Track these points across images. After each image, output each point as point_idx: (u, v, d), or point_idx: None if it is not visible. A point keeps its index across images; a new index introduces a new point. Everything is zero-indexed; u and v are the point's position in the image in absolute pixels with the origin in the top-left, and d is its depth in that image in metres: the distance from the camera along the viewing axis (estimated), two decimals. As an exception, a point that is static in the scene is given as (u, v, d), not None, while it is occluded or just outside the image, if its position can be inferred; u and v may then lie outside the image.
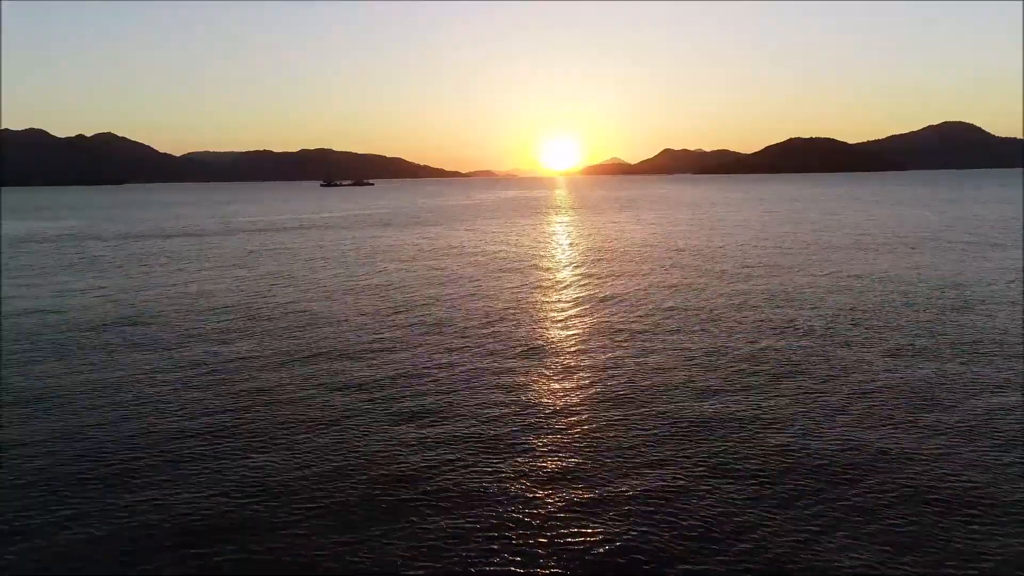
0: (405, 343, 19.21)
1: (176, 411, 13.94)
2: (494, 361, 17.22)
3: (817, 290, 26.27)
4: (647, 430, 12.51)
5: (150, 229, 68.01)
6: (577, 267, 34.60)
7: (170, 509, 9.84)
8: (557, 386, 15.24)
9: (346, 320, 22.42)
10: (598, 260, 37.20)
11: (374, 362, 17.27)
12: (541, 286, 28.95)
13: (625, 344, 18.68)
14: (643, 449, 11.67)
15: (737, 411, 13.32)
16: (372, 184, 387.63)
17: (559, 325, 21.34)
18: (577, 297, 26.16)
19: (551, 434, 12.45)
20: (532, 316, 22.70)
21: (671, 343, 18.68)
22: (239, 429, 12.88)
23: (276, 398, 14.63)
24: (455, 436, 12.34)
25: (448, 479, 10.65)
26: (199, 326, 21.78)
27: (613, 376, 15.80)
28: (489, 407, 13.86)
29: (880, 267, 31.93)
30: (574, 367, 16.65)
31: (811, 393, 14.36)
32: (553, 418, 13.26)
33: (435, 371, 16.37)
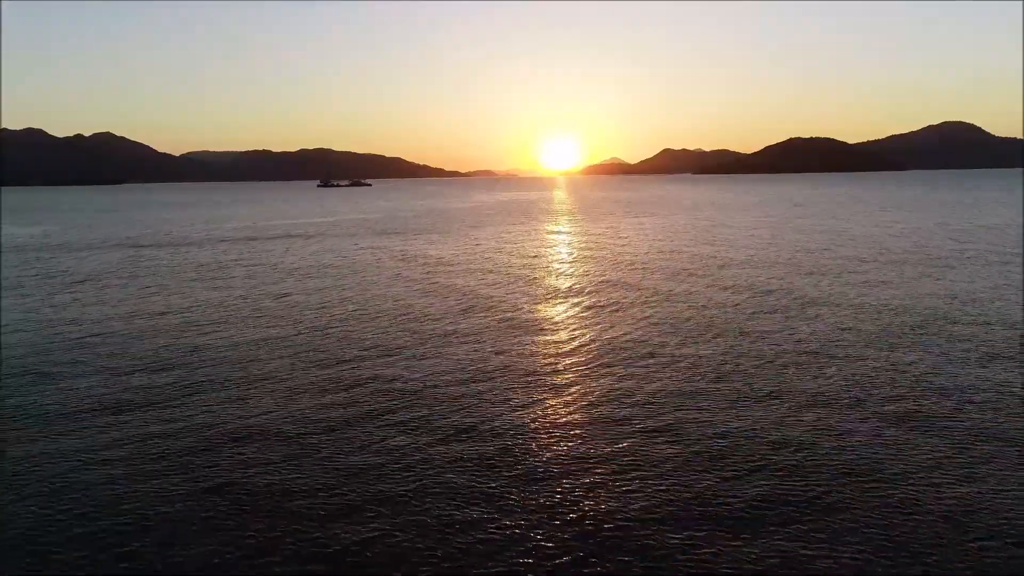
0: (353, 415, 15.57)
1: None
2: (457, 446, 13.60)
3: (855, 333, 22.63)
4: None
5: (125, 237, 64.44)
6: (574, 298, 31.01)
7: None
8: (536, 495, 11.60)
9: (287, 378, 18.71)
10: (598, 287, 33.62)
11: (306, 447, 13.63)
12: (531, 327, 25.36)
13: (630, 431, 14.96)
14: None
15: (780, 552, 9.66)
16: (370, 185, 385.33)
17: (546, 392, 17.67)
18: (572, 345, 22.54)
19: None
20: (517, 377, 19.09)
21: (690, 425, 15.04)
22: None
23: (144, 522, 10.96)
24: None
25: None
26: (111, 384, 18.09)
27: (613, 487, 12.17)
28: (442, 542, 10.25)
29: (914, 294, 28.24)
30: (564, 460, 13.00)
31: (884, 514, 10.70)
32: (530, 563, 9.65)
33: (381, 463, 12.72)
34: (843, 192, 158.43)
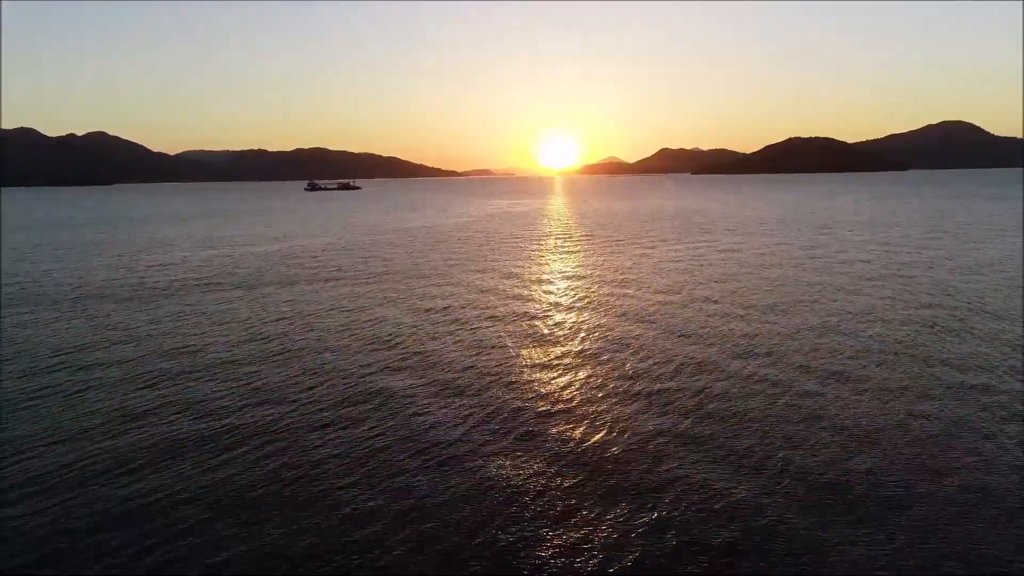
0: None
1: None
2: None
3: None
4: None
5: (19, 279, 51.84)
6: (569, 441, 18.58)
7: None
8: None
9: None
10: (608, 395, 21.22)
11: None
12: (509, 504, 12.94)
13: None
14: None
15: None
16: (359, 188, 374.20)
17: None
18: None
19: None
20: None
21: None
22: None
23: None
24: None
25: None
26: None
27: None
28: None
29: None
30: None
31: None
32: None
33: None
34: (888, 201, 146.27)
